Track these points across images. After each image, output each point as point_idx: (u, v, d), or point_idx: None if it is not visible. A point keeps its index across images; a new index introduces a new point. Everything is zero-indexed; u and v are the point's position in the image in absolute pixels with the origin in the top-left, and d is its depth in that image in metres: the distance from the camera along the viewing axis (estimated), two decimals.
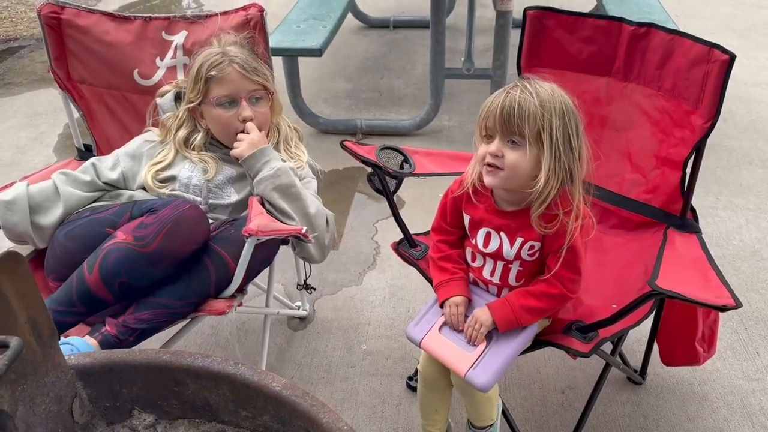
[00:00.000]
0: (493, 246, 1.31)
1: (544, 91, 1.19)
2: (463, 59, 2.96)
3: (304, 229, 1.28)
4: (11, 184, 1.57)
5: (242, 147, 1.52)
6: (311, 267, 2.08)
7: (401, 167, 1.62)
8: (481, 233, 1.32)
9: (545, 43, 1.64)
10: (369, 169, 1.55)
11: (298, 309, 2.00)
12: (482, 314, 1.29)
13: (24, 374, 0.89)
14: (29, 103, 3.41)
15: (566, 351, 1.28)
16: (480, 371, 1.24)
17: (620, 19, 1.59)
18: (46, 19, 1.64)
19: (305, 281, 1.95)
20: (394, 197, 1.56)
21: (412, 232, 1.59)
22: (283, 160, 1.61)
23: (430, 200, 2.49)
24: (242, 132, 1.56)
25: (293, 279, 2.09)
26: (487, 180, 1.25)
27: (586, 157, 1.25)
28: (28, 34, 4.39)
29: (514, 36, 2.83)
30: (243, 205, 1.58)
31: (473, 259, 1.38)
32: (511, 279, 1.33)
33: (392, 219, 1.55)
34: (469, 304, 1.34)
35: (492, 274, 1.34)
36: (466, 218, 1.35)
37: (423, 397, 1.45)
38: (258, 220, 1.31)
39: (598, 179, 1.69)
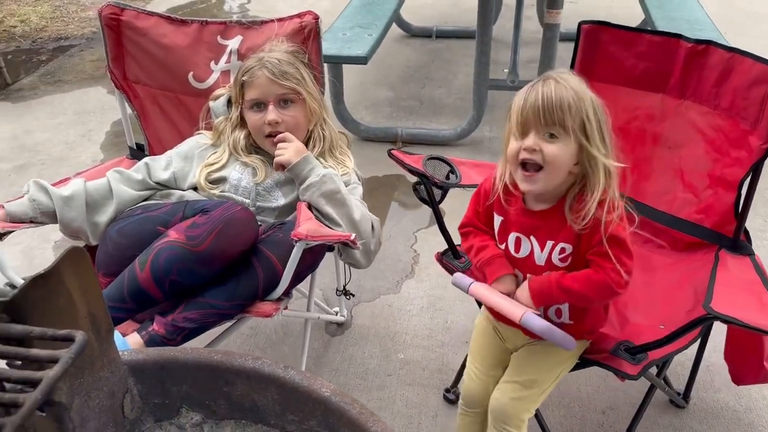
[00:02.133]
0: (524, 251, 1.26)
1: (576, 84, 1.16)
2: (506, 71, 2.95)
3: (353, 235, 1.28)
4: (66, 180, 1.61)
5: (289, 154, 1.52)
6: (350, 273, 2.09)
7: (447, 177, 1.61)
8: (511, 238, 1.28)
9: (599, 57, 1.62)
10: (414, 179, 1.55)
11: (336, 315, 2.00)
12: (521, 293, 1.25)
13: (82, 368, 0.90)
14: (78, 100, 3.50)
15: (614, 372, 1.26)
16: (537, 317, 1.20)
17: (678, 36, 1.56)
18: (106, 20, 1.68)
19: (344, 287, 1.96)
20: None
21: (455, 242, 1.58)
22: (331, 167, 1.62)
23: None
24: (271, 137, 1.57)
25: (331, 284, 2.10)
26: (525, 186, 1.18)
27: (614, 154, 1.20)
28: (78, 34, 4.51)
29: (560, 48, 2.83)
30: (289, 209, 1.60)
31: None
32: None
33: (431, 228, 1.54)
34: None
35: None
36: (497, 220, 1.30)
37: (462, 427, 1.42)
38: (307, 225, 1.32)
39: (648, 197, 1.66)
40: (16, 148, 3.03)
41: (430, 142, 3.03)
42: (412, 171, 1.54)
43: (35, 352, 0.77)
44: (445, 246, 1.59)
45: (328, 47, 2.69)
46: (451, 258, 1.55)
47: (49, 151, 3.01)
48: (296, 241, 1.28)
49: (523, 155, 1.15)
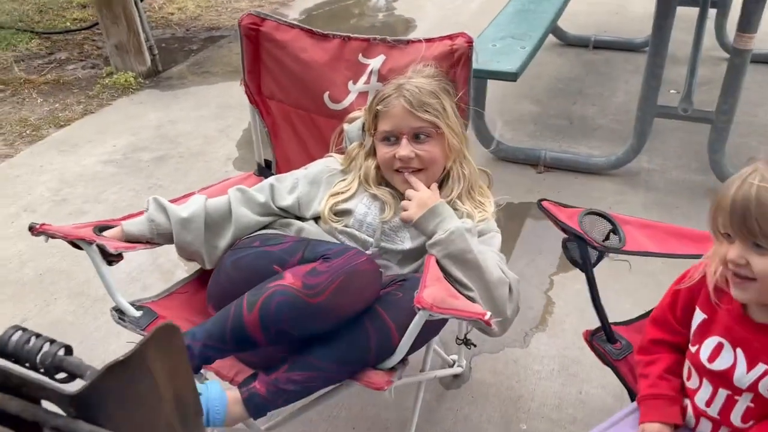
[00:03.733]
0: (722, 363, 1.01)
1: None
2: (672, 91, 2.57)
3: (488, 314, 1.07)
4: (190, 195, 1.54)
5: (411, 210, 1.34)
6: None
7: (607, 237, 1.35)
8: (710, 342, 1.03)
9: None
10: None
11: (453, 364, 1.80)
12: None
13: None
14: (222, 94, 3.55)
15: None
16: None
17: None
18: (245, 30, 1.58)
19: (465, 335, 1.75)
20: None
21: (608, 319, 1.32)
22: (467, 210, 1.42)
23: (636, 282, 2.08)
24: (401, 172, 1.40)
25: (450, 326, 1.89)
26: (735, 293, 0.98)
27: None
28: (229, 24, 4.62)
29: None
30: (416, 253, 1.41)
31: (688, 377, 1.10)
32: (735, 417, 1.02)
33: (571, 273, 1.30)
34: None
35: (709, 404, 1.05)
36: (698, 317, 1.07)
37: None
38: (433, 291, 1.12)
39: None
40: (158, 137, 3.11)
41: (577, 169, 2.72)
42: (566, 230, 1.30)
43: None
44: (590, 314, 1.33)
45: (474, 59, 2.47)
46: (603, 340, 1.29)
47: (189, 144, 3.05)
48: (418, 309, 1.09)
49: (731, 267, 0.95)
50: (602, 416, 1.67)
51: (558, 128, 3.08)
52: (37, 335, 0.76)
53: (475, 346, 1.81)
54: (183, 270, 2.23)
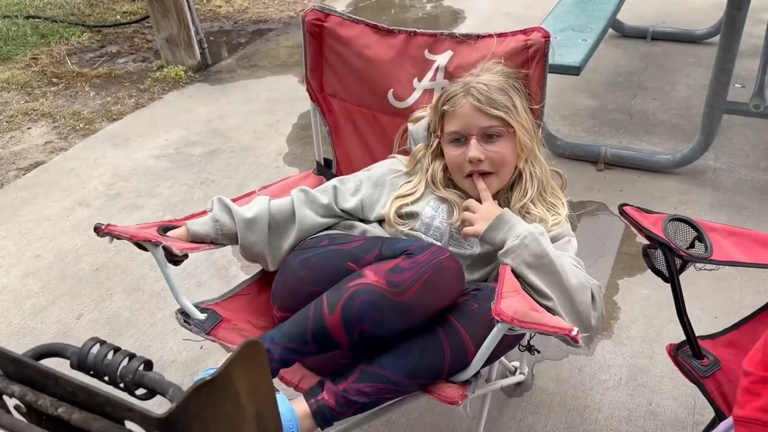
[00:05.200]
0: None
1: None
2: (737, 85, 2.44)
3: (575, 330, 1.00)
4: (251, 194, 1.51)
5: (477, 225, 1.28)
6: None
7: (692, 245, 1.27)
8: None
9: None
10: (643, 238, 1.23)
11: (515, 371, 1.74)
12: None
13: None
14: (270, 88, 3.53)
15: None
16: None
17: None
18: (308, 26, 1.53)
19: (529, 342, 1.69)
20: None
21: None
22: (540, 213, 1.36)
23: (706, 287, 2.00)
24: (469, 179, 1.34)
25: None
26: None
27: None
28: (276, 17, 4.60)
29: None
30: (485, 259, 1.36)
31: None
32: None
33: (636, 277, 1.22)
34: None
35: None
36: None
37: None
38: (513, 302, 1.06)
39: None
40: (209, 132, 3.11)
41: (639, 167, 2.61)
42: (650, 237, 1.22)
43: None
44: (658, 321, 1.26)
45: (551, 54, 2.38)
46: (689, 356, 1.21)
47: (239, 138, 3.04)
48: (497, 321, 1.03)
49: None
50: (674, 430, 1.60)
51: (617, 123, 2.97)
52: (116, 349, 0.73)
53: (539, 352, 1.75)
54: (237, 267, 2.22)
